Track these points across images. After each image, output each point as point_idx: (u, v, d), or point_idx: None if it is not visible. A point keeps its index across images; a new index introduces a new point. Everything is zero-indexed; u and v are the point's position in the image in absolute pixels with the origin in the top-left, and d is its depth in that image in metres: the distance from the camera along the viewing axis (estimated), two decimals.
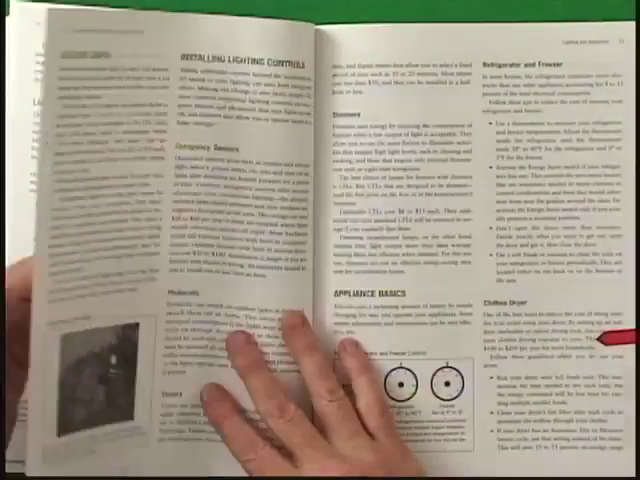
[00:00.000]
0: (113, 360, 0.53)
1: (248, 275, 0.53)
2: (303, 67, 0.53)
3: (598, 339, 0.54)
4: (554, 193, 0.54)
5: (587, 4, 0.55)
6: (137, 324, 0.53)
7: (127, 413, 0.53)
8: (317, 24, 0.54)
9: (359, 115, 0.54)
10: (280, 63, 0.53)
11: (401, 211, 0.54)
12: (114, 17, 0.52)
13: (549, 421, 0.55)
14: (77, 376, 0.52)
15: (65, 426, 0.51)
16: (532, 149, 0.54)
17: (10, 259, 0.50)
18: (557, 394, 0.55)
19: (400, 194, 0.54)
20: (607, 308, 0.54)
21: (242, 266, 0.53)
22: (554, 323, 0.55)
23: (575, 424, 0.55)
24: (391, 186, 0.54)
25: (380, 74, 0.54)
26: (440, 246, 0.54)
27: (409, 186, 0.54)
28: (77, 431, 0.52)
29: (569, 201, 0.54)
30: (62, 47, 0.49)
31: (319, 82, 0.54)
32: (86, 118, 0.50)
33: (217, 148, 0.53)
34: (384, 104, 0.54)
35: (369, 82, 0.54)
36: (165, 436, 0.54)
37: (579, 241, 0.54)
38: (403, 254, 0.54)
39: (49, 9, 0.48)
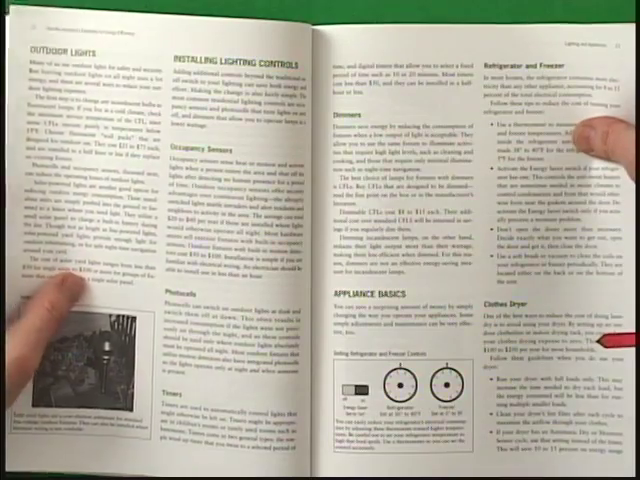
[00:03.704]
0: (106, 347, 0.55)
1: (244, 276, 0.54)
2: (296, 67, 0.53)
3: (598, 342, 0.54)
4: (555, 194, 0.54)
5: (587, 5, 0.55)
6: (134, 317, 0.54)
7: (126, 403, 0.55)
8: (316, 24, 0.54)
9: (360, 115, 0.54)
10: (272, 64, 0.53)
11: (401, 211, 0.54)
12: (101, 18, 0.54)
13: (548, 422, 0.55)
14: (60, 353, 0.55)
15: (43, 398, 0.55)
16: (533, 150, 0.54)
17: None
18: (556, 396, 0.55)
19: (400, 194, 0.54)
20: (607, 310, 0.54)
21: (238, 267, 0.53)
22: (554, 325, 0.54)
23: (574, 426, 0.55)
24: (391, 186, 0.54)
25: (381, 74, 0.54)
26: (440, 247, 0.54)
27: (409, 187, 0.54)
28: (61, 407, 0.55)
29: (570, 203, 0.54)
30: (32, 42, 0.53)
31: (319, 82, 0.54)
32: (68, 110, 0.54)
33: (211, 149, 0.53)
34: (385, 104, 0.54)
35: (370, 82, 0.54)
36: (166, 435, 0.55)
37: (580, 243, 0.54)
38: (403, 254, 0.54)
39: (14, 7, 0.53)
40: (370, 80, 0.54)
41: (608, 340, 0.54)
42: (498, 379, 0.55)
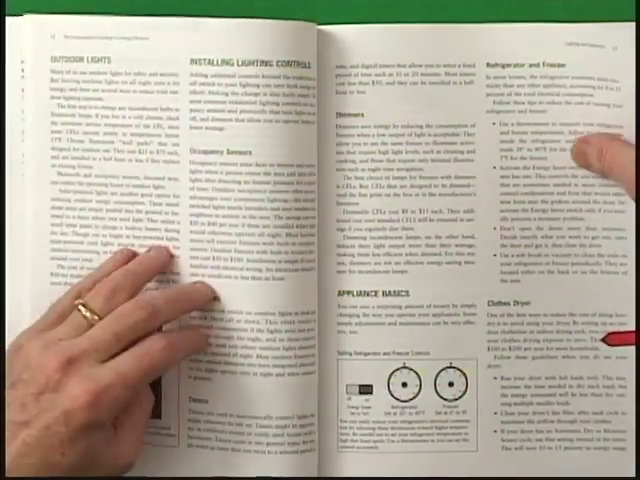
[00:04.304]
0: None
1: (267, 279, 0.53)
2: (309, 67, 0.53)
3: (602, 340, 0.54)
4: (559, 194, 0.54)
5: (589, 4, 0.55)
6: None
7: (154, 411, 0.53)
8: (319, 24, 0.54)
9: (362, 115, 0.54)
10: (288, 64, 0.52)
11: (404, 211, 0.54)
12: (115, 24, 0.54)
13: (552, 422, 0.55)
14: None
15: None
16: (536, 149, 0.54)
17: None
18: (561, 395, 0.55)
19: (403, 194, 0.54)
20: (611, 309, 0.54)
21: (260, 270, 0.53)
22: (558, 324, 0.54)
23: (579, 424, 0.55)
24: (394, 186, 0.54)
25: (383, 74, 0.54)
26: (443, 246, 0.54)
27: (412, 186, 0.54)
28: None
29: (574, 202, 0.54)
30: (52, 51, 0.54)
31: (322, 82, 0.54)
32: (87, 118, 0.54)
33: (230, 152, 0.53)
34: (387, 104, 0.54)
35: (372, 82, 0.54)
36: (194, 442, 0.55)
37: (584, 242, 0.54)
38: (406, 254, 0.54)
39: (33, 18, 0.54)
40: (373, 80, 0.54)
41: (612, 338, 0.54)
42: (502, 378, 0.55)
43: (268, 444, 0.54)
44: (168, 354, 0.49)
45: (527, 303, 0.54)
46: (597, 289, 0.54)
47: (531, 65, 0.54)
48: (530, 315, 0.54)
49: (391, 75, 0.54)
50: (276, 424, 0.54)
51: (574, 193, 0.54)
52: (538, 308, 0.54)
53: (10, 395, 0.47)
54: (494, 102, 0.54)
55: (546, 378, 0.55)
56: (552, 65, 0.54)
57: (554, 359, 0.54)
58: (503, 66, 0.54)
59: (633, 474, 0.53)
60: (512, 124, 0.54)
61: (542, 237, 0.54)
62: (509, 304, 0.54)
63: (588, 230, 0.54)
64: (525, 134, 0.54)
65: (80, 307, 0.50)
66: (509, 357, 0.55)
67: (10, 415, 0.46)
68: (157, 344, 0.49)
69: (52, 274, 0.55)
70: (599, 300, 0.54)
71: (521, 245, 0.54)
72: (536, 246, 0.54)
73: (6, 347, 0.50)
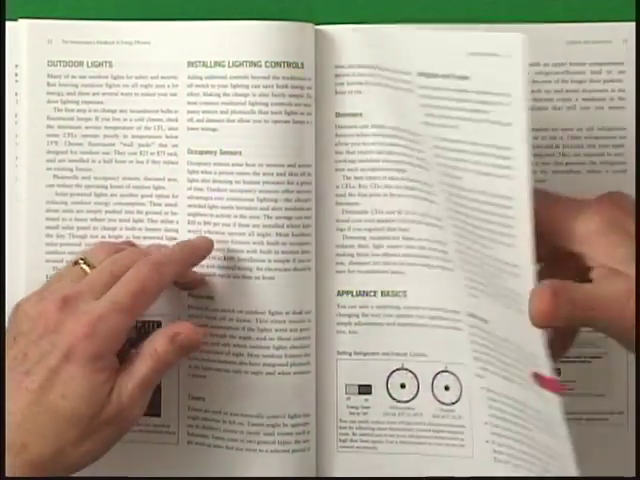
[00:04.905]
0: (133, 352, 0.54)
1: (257, 278, 0.54)
2: (302, 67, 0.53)
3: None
4: None
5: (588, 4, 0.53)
6: (159, 322, 0.55)
7: (154, 409, 0.54)
8: (319, 24, 0.54)
9: (361, 115, 0.54)
10: (278, 64, 0.53)
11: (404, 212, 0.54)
12: (117, 30, 0.55)
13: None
14: None
15: None
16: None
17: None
18: None
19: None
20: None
21: (251, 269, 0.54)
22: None
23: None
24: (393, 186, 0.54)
25: (382, 74, 0.53)
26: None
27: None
28: None
29: None
30: (49, 56, 0.54)
31: (321, 82, 0.54)
32: (87, 121, 0.55)
33: (222, 152, 0.54)
34: (386, 104, 0.53)
35: (371, 82, 0.53)
36: (193, 439, 0.55)
37: None
38: (404, 255, 0.54)
39: (28, 22, 0.55)
40: (372, 80, 0.53)
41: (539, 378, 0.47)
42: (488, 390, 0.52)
43: (259, 442, 0.54)
44: (157, 273, 0.49)
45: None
46: None
47: (444, 76, 0.47)
48: None
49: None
50: (267, 423, 0.54)
51: None
52: None
53: (13, 350, 0.47)
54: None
55: None
56: (459, 77, 0.46)
57: None
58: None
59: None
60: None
61: None
62: None
63: None
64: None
65: (79, 261, 0.51)
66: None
67: (16, 368, 0.46)
68: (144, 266, 0.49)
69: (47, 277, 0.54)
70: None
71: None
72: None
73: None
